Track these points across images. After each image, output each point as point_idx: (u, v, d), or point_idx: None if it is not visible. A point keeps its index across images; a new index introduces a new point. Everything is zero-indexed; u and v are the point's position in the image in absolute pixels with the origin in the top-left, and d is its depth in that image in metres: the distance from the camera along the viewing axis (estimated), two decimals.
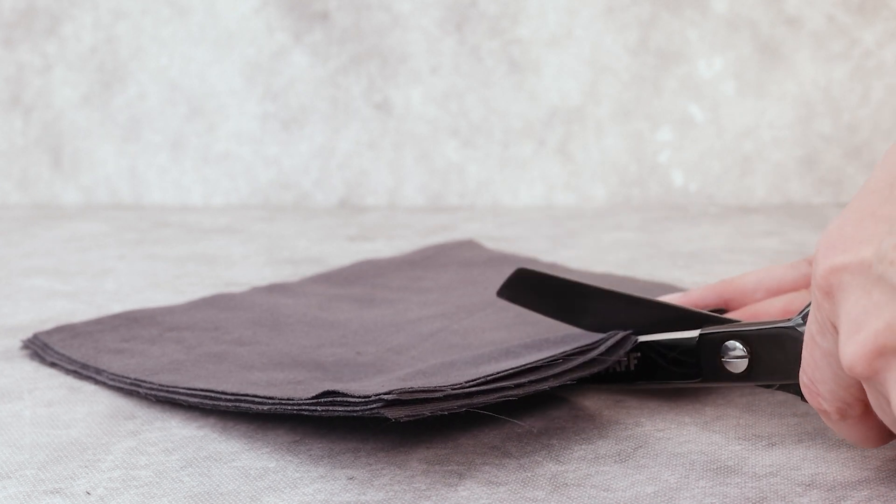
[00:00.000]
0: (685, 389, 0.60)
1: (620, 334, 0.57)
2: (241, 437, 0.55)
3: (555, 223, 1.07)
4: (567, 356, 0.56)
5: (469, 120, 1.16)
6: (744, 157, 1.12)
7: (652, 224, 1.05)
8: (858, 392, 0.45)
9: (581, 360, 0.56)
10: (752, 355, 0.54)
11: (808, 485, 0.48)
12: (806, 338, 0.46)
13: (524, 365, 0.54)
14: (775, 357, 0.53)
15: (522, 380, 0.53)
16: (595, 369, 0.56)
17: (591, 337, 0.58)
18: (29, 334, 0.71)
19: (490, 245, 0.96)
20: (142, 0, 1.20)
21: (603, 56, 1.13)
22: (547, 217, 1.10)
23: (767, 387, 0.57)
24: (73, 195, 1.22)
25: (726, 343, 0.55)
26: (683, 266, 0.89)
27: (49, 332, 0.69)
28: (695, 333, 0.56)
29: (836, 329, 0.43)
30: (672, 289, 0.78)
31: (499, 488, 0.49)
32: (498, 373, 0.53)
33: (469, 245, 0.93)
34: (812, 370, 0.46)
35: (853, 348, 0.41)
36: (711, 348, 0.55)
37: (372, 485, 0.49)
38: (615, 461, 0.51)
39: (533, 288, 0.61)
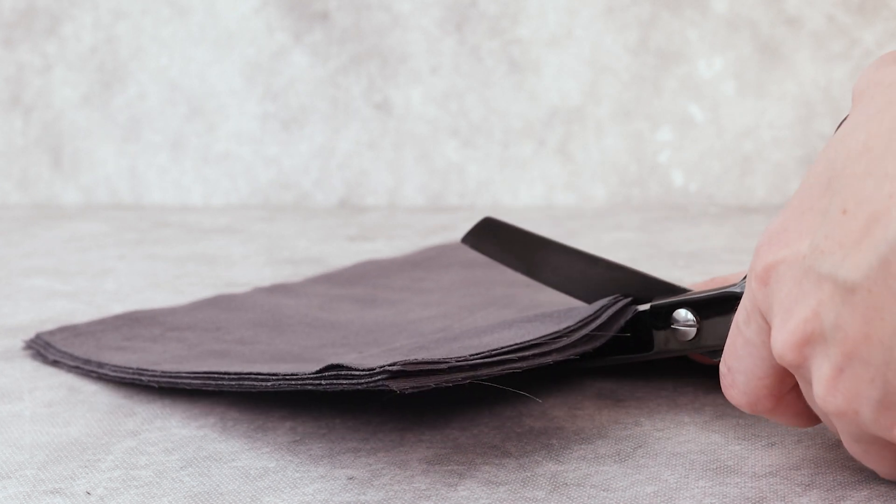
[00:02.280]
0: (684, 388, 0.60)
1: (621, 302, 0.58)
2: (241, 436, 0.55)
3: (555, 223, 1.07)
4: (570, 331, 0.56)
5: (469, 120, 1.16)
6: (744, 157, 1.12)
7: (652, 224, 1.05)
8: (772, 385, 0.46)
9: (584, 332, 0.56)
10: (701, 322, 0.55)
11: (808, 485, 0.48)
12: (732, 326, 0.47)
13: (528, 341, 0.54)
14: (723, 322, 0.55)
15: (526, 353, 0.53)
16: (597, 343, 0.57)
17: (591, 307, 0.58)
18: (29, 334, 0.72)
19: None
20: (142, 0, 1.19)
21: (603, 56, 1.13)
22: (547, 217, 1.10)
23: (715, 353, 0.58)
24: (72, 195, 1.22)
25: (676, 312, 0.56)
26: (684, 266, 0.89)
27: (52, 332, 0.70)
28: (646, 306, 0.57)
29: (763, 319, 0.45)
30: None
31: (498, 488, 0.49)
32: (502, 347, 0.53)
33: None
34: (732, 359, 0.47)
35: (783, 336, 0.42)
36: (663, 318, 0.57)
37: (372, 485, 0.49)
38: (615, 461, 0.51)
39: (497, 237, 0.62)
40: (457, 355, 0.52)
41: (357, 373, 0.51)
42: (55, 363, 0.67)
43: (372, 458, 0.52)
